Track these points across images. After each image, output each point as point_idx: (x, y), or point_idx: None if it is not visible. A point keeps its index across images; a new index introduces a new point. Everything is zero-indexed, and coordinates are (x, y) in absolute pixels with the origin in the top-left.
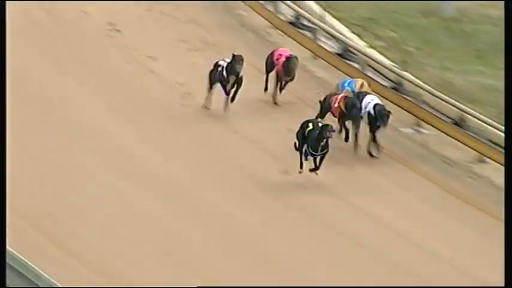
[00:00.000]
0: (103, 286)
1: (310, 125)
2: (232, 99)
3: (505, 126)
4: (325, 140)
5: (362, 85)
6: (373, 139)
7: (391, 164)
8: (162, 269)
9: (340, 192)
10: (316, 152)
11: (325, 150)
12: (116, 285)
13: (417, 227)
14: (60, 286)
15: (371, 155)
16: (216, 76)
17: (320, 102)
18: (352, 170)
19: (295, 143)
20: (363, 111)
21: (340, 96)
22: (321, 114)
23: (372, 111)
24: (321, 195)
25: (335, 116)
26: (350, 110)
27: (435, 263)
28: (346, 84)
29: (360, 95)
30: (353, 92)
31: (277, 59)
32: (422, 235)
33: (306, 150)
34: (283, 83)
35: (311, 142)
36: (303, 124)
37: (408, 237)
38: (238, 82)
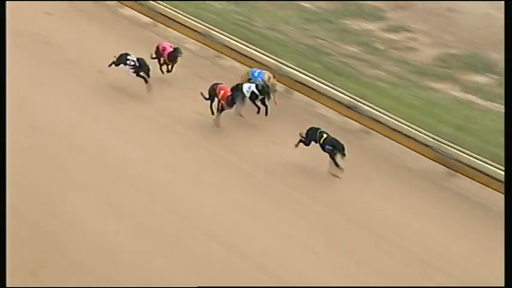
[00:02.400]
0: None
1: (324, 135)
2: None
3: (505, 127)
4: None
5: (269, 76)
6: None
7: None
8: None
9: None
10: (343, 151)
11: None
12: None
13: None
14: None
15: (262, 110)
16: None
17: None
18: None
19: (300, 140)
20: (247, 94)
21: (222, 86)
22: (210, 99)
23: (256, 90)
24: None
25: (221, 102)
26: (234, 95)
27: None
28: (256, 74)
29: (240, 85)
30: (263, 80)
31: (162, 50)
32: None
33: (333, 150)
34: (170, 66)
35: (337, 145)
36: (313, 133)
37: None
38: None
